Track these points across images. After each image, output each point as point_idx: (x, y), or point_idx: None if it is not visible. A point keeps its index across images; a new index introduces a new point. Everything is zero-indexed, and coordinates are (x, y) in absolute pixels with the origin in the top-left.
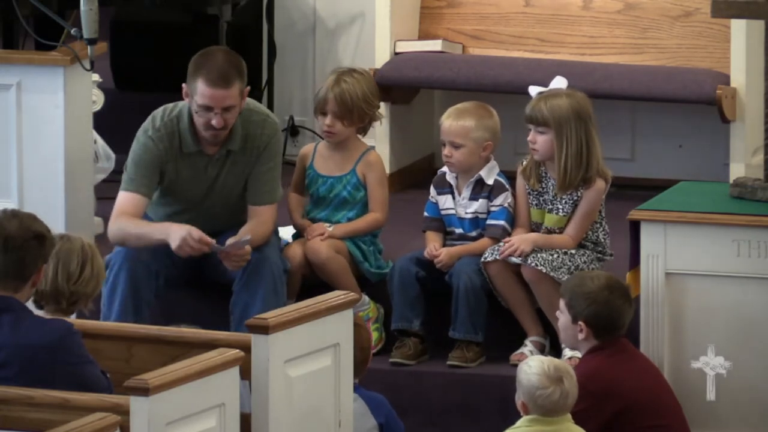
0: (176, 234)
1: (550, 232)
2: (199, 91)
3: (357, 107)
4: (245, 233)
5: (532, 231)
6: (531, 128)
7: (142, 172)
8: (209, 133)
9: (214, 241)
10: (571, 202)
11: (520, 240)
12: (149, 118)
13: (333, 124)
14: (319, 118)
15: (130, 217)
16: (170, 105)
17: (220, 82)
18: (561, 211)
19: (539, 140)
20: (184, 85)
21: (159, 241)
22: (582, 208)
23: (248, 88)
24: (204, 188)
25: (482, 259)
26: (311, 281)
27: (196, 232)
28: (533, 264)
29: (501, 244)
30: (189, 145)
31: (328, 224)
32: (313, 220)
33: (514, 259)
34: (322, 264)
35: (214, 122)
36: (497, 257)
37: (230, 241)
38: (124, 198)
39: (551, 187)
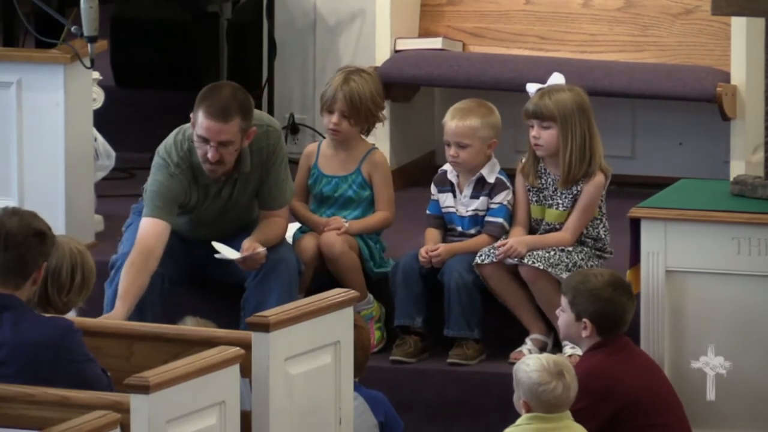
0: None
1: (550, 227)
2: (198, 121)
3: (364, 107)
4: (258, 240)
5: (532, 228)
6: (534, 124)
7: (168, 203)
8: (206, 167)
9: None
10: (571, 196)
11: (516, 241)
12: (163, 151)
13: (339, 122)
14: (324, 116)
15: (139, 256)
16: (179, 136)
17: (218, 115)
18: (561, 206)
19: (544, 135)
20: (191, 114)
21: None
22: (581, 202)
23: (254, 128)
24: (219, 208)
25: (475, 261)
26: (321, 279)
27: None
28: (530, 262)
29: (495, 246)
30: (204, 177)
31: (344, 219)
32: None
33: (510, 261)
34: (335, 258)
35: (209, 155)
36: (493, 260)
37: (244, 253)
38: (150, 225)
39: (551, 183)
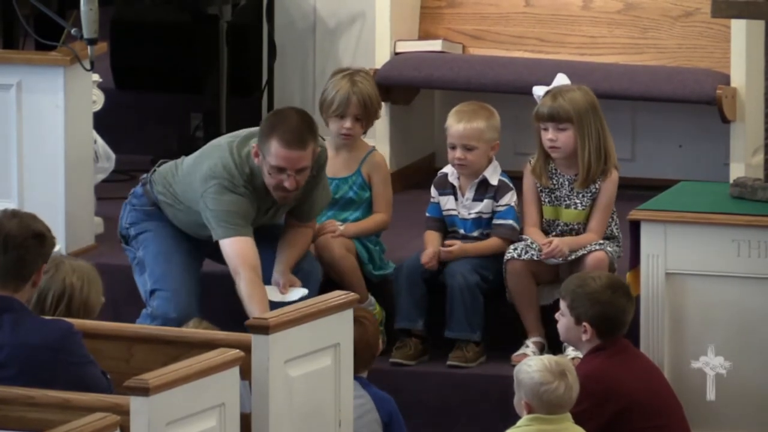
0: None
1: (568, 227)
2: (273, 151)
3: (374, 108)
4: (291, 263)
5: (543, 229)
6: (549, 127)
7: (246, 221)
8: (279, 195)
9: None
10: (589, 195)
11: (560, 242)
12: (223, 173)
13: (353, 126)
14: (334, 121)
15: (256, 275)
16: (236, 159)
17: (295, 144)
18: (579, 205)
19: (561, 137)
20: (254, 144)
21: None
22: (602, 200)
23: (319, 148)
24: (258, 224)
25: (506, 258)
26: (322, 285)
27: None
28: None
29: (529, 242)
30: (262, 200)
31: (339, 222)
32: (318, 221)
33: (554, 260)
34: (334, 262)
35: (286, 184)
36: (534, 257)
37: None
38: (245, 245)
39: (565, 183)
